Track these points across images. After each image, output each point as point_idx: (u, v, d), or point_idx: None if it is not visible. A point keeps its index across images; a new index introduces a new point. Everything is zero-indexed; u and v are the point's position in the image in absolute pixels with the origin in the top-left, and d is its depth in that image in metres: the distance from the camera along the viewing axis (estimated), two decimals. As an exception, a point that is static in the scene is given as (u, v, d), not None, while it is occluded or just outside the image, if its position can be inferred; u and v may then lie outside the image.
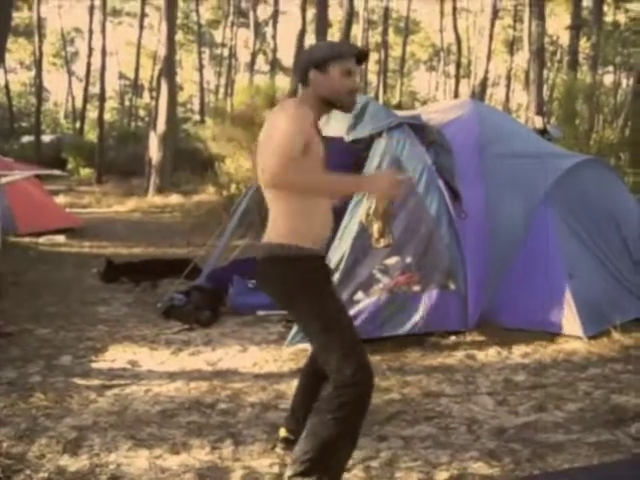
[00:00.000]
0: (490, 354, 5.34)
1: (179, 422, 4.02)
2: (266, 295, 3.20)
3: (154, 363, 5.17)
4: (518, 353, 5.37)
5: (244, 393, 4.50)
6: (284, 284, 3.04)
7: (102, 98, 28.98)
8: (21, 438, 3.75)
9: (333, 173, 2.92)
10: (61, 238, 11.64)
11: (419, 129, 6.00)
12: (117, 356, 5.31)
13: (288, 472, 2.98)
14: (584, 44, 22.41)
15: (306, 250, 2.98)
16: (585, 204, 6.25)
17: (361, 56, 3.12)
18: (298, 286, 3.00)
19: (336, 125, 5.93)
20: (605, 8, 22.58)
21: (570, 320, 5.66)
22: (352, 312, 5.17)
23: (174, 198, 18.14)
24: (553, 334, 5.70)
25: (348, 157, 5.78)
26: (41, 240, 11.35)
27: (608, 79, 27.60)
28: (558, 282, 5.75)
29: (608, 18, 24.68)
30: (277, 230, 3.03)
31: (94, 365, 5.10)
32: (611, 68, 31.37)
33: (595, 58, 19.90)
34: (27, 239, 11.20)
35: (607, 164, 8.26)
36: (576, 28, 19.30)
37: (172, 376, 4.84)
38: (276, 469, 3.40)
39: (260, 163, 2.95)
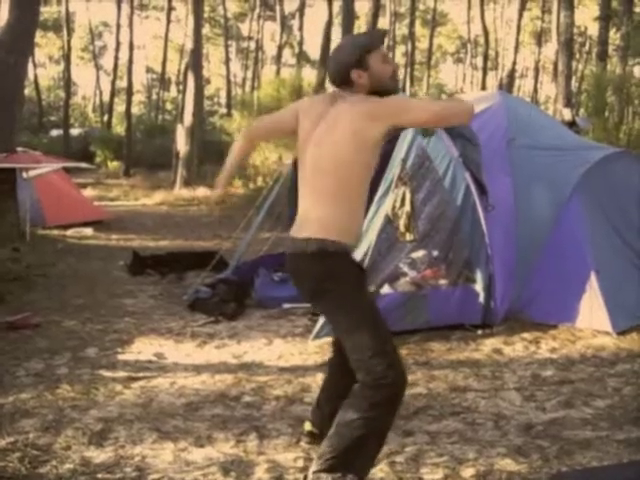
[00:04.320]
0: (517, 349, 5.28)
1: (204, 415, 4.02)
2: (295, 288, 3.18)
3: (180, 356, 5.18)
4: (546, 348, 5.30)
5: (269, 386, 4.49)
6: (320, 279, 2.98)
7: (130, 92, 29.18)
8: (47, 429, 3.77)
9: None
10: (89, 231, 11.73)
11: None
12: (143, 348, 5.33)
13: (313, 467, 2.96)
14: (614, 35, 22.12)
15: (344, 245, 2.96)
16: (614, 197, 6.16)
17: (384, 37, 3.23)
18: (333, 282, 2.95)
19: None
20: (636, -2, 22.23)
21: (599, 315, 5.58)
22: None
23: (201, 191, 18.18)
24: (581, 329, 5.63)
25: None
26: (69, 232, 11.45)
27: (638, 71, 27.22)
28: (586, 277, 5.67)
29: (638, 9, 24.28)
30: (319, 225, 2.97)
31: (120, 357, 5.12)
32: (642, 59, 30.92)
33: (625, 49, 19.62)
34: (55, 231, 11.31)
35: (637, 157, 8.13)
36: (605, 19, 19.02)
37: (197, 369, 4.84)
38: (300, 463, 3.38)
39: None
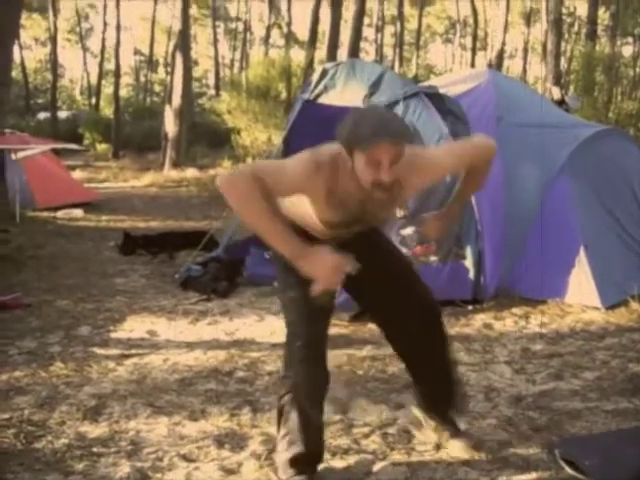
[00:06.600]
0: (507, 323, 5.33)
1: (197, 390, 4.05)
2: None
3: (172, 333, 5.20)
4: (535, 323, 5.35)
5: (261, 362, 4.53)
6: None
7: (117, 74, 29.00)
8: (42, 406, 3.79)
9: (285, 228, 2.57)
10: (79, 212, 11.70)
11: (436, 98, 5.95)
12: (135, 326, 5.35)
13: None
14: (602, 15, 22.12)
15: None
16: (603, 174, 6.20)
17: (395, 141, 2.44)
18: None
19: (352, 94, 5.91)
20: (625, -23, 22.20)
21: (588, 290, 5.63)
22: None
23: (190, 172, 18.14)
24: (570, 304, 5.68)
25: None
26: (59, 214, 11.41)
27: (627, 51, 27.29)
28: (575, 252, 5.72)
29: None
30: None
31: (113, 335, 5.14)
32: (630, 39, 30.96)
33: (614, 29, 19.64)
34: (45, 213, 11.28)
35: (625, 134, 8.17)
36: (595, -2, 18.99)
37: (190, 345, 4.86)
38: (294, 435, 3.41)
39: None
